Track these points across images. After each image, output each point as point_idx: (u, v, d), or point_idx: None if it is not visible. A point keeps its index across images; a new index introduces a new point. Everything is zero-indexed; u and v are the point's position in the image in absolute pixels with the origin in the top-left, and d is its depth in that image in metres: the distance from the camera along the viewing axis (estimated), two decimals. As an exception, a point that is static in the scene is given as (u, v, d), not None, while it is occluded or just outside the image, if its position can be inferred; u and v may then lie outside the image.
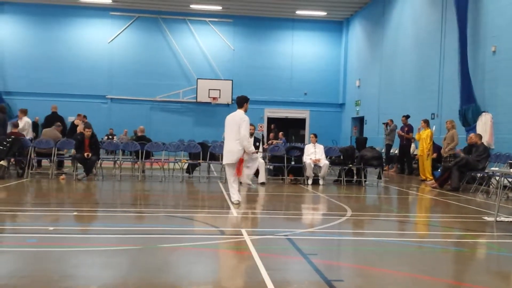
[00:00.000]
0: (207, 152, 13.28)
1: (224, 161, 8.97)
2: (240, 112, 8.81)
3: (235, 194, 8.77)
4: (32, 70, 25.96)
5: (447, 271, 5.02)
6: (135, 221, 7.44)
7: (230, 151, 8.74)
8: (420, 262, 5.29)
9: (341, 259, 5.58)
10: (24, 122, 14.49)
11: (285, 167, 13.10)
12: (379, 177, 13.55)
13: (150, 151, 13.78)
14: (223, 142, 19.27)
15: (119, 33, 26.79)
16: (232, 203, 8.71)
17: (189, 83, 27.03)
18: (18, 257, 4.97)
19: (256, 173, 12.49)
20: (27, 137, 13.70)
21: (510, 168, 7.59)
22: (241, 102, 8.91)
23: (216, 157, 13.75)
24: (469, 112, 14.41)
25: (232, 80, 26.84)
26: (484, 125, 13.84)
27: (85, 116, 16.74)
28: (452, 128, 13.61)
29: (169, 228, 6.78)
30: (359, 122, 25.93)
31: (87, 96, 26.20)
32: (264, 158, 13.07)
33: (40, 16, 26.19)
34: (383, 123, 19.43)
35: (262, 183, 12.15)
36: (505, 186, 10.40)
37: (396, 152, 18.23)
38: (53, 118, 15.31)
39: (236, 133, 8.61)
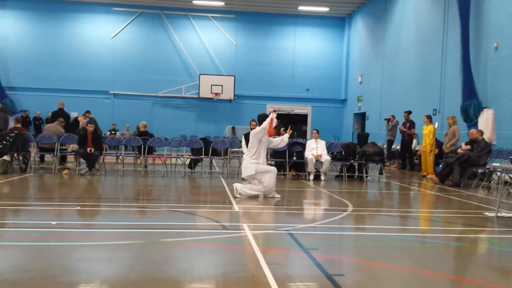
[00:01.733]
0: (209, 148, 13.31)
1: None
2: (257, 128, 9.28)
3: (248, 191, 9.12)
4: (35, 65, 26.00)
5: (448, 266, 5.04)
6: (137, 216, 7.48)
7: (243, 166, 9.40)
8: (421, 257, 5.32)
9: (342, 254, 5.61)
10: None
11: (287, 162, 13.12)
12: (381, 173, 13.57)
13: (153, 147, 13.81)
14: (225, 137, 19.29)
15: (122, 29, 26.81)
16: (237, 194, 9.04)
17: (192, 79, 27.05)
18: (21, 251, 5.00)
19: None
20: None
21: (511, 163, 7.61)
22: (261, 120, 9.40)
23: (218, 152, 13.78)
24: (471, 108, 14.41)
25: (234, 76, 26.86)
26: (485, 121, 13.84)
27: (88, 111, 16.77)
28: (453, 124, 13.61)
29: (171, 223, 6.82)
30: (361, 118, 25.93)
31: (90, 91, 26.25)
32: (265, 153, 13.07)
33: (43, 11, 26.21)
34: (385, 119, 19.42)
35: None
36: (506, 182, 10.41)
37: (397, 147, 18.24)
38: (59, 115, 15.34)
39: (248, 148, 9.29)
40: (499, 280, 4.56)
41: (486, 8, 14.47)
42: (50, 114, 20.24)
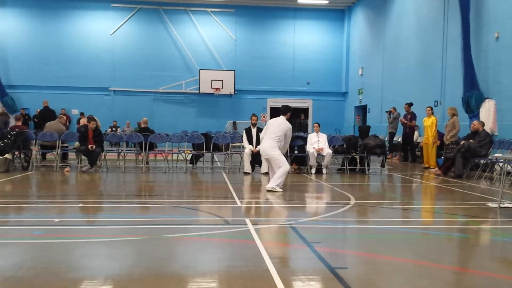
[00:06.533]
0: (211, 143, 13.31)
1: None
2: (282, 118, 9.75)
3: (278, 181, 9.30)
4: (35, 63, 25.96)
5: (452, 258, 5.04)
6: (140, 212, 7.48)
7: (262, 148, 9.79)
8: (424, 249, 5.31)
9: (345, 247, 5.60)
10: None
11: (289, 156, 13.10)
12: (383, 165, 13.56)
13: (154, 143, 13.82)
14: (226, 132, 19.30)
15: (121, 25, 26.74)
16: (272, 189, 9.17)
17: (192, 74, 27.01)
18: (25, 249, 5.01)
19: (259, 163, 12.54)
20: None
21: (514, 154, 7.59)
22: (285, 111, 9.88)
23: (219, 147, 13.78)
24: (472, 99, 14.37)
25: (234, 71, 26.80)
26: (487, 111, 13.81)
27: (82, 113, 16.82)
28: (453, 115, 13.59)
29: (174, 218, 6.82)
30: (362, 110, 25.90)
31: (90, 88, 26.22)
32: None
33: (42, 9, 26.14)
34: (386, 112, 19.40)
35: (266, 173, 12.16)
36: (508, 172, 10.39)
37: (399, 140, 18.22)
38: (46, 112, 15.41)
39: (273, 133, 9.57)
40: (503, 271, 4.56)
41: (487, -2, 14.42)
42: (38, 110, 20.31)
